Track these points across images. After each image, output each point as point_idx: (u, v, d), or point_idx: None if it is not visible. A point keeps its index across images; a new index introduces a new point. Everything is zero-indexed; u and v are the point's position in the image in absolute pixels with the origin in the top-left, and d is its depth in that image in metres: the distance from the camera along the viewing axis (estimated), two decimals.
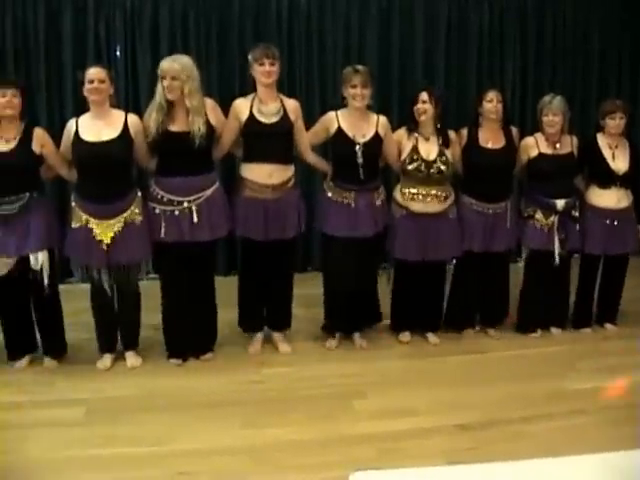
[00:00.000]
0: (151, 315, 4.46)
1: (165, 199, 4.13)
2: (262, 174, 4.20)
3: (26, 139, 4.08)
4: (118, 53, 6.00)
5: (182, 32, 6.00)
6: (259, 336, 4.61)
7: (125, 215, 4.09)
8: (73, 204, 4.15)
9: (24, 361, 4.40)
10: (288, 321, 4.64)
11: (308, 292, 4.69)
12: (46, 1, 5.83)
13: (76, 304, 4.56)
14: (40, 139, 4.13)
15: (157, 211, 4.15)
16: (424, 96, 4.35)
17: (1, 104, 3.98)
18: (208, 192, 4.17)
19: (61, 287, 4.46)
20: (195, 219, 4.11)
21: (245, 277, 4.57)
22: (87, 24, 5.88)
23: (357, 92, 4.25)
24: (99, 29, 5.89)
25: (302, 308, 4.67)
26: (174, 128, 4.05)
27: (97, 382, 4.17)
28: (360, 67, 4.33)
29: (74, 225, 4.13)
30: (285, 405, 3.84)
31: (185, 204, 4.11)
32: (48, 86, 5.93)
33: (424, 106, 4.35)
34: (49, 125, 5.23)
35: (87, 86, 4.02)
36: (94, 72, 4.04)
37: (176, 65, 4.00)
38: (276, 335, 4.62)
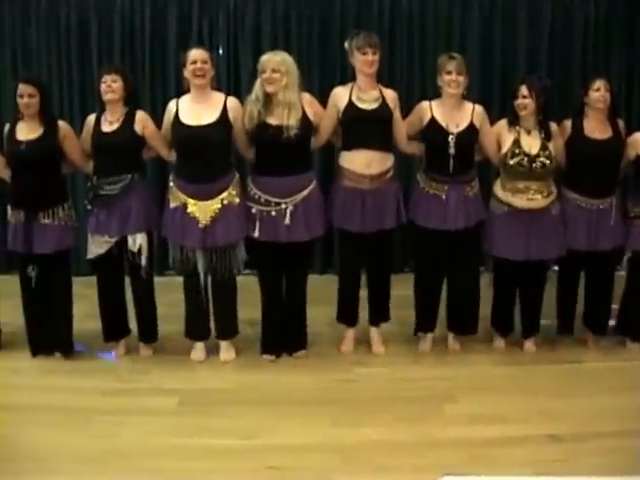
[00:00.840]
0: (246, 310, 4.52)
1: (262, 199, 4.17)
2: (361, 163, 4.18)
3: (129, 121, 4.24)
4: (220, 52, 6.11)
5: (284, 32, 6.07)
6: (351, 333, 4.57)
7: (223, 196, 4.15)
8: (171, 184, 4.25)
9: (121, 348, 4.55)
10: (386, 315, 4.59)
11: (404, 293, 4.65)
12: (152, 2, 6.03)
13: (173, 296, 4.64)
14: (142, 121, 4.27)
15: (254, 211, 4.19)
16: (524, 90, 4.21)
17: (102, 89, 4.17)
18: (305, 192, 4.18)
19: (158, 279, 4.59)
20: (287, 221, 4.13)
21: (343, 269, 4.57)
22: (191, 24, 6.05)
23: (452, 78, 4.18)
24: (202, 29, 6.05)
25: (397, 310, 4.63)
26: (271, 120, 4.09)
27: (191, 373, 4.28)
28: (455, 54, 4.27)
29: (172, 205, 4.23)
30: (377, 405, 3.83)
31: (282, 205, 4.15)
32: (152, 86, 6.14)
33: (524, 101, 4.21)
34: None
35: (189, 67, 4.11)
36: (197, 53, 4.14)
37: (277, 57, 4.06)
38: (373, 334, 4.56)
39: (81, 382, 4.16)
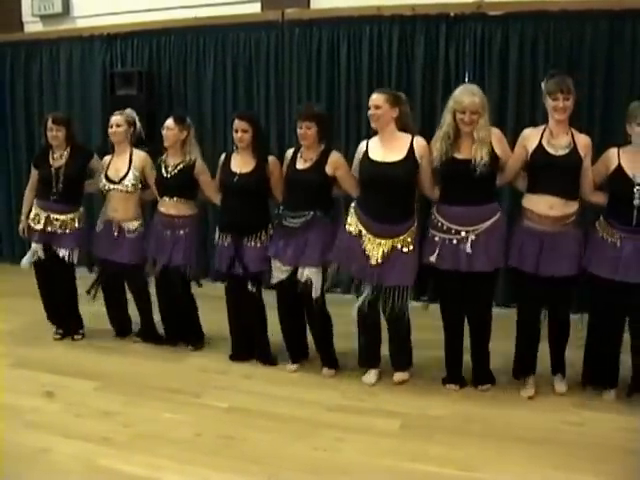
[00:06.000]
0: None
1: (445, 227, 4.15)
2: (542, 205, 4.03)
3: (322, 161, 4.40)
4: (467, 80, 6.06)
5: (531, 63, 5.88)
6: (530, 381, 4.31)
7: (396, 240, 4.19)
8: (352, 210, 4.33)
9: (294, 366, 4.73)
10: (562, 368, 4.33)
11: None
12: (400, 28, 6.15)
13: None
14: (334, 163, 4.40)
15: (436, 239, 4.18)
16: None
17: (301, 134, 4.37)
18: (488, 223, 4.11)
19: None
20: (469, 249, 4.07)
21: (522, 318, 4.30)
22: (438, 49, 6.08)
23: None
24: (449, 55, 6.05)
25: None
26: (459, 155, 4.08)
27: (416, 399, 4.23)
28: None
29: (348, 229, 4.30)
30: (601, 453, 3.55)
31: (463, 233, 4.10)
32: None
33: None
34: None
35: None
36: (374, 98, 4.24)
37: (476, 99, 4.02)
38: (555, 378, 4.33)
39: (307, 395, 4.30)
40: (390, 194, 4.16)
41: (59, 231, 5.11)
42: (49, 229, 5.12)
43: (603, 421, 3.92)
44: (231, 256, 4.64)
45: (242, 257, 4.61)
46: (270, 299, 4.72)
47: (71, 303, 5.36)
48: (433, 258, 4.16)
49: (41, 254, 5.18)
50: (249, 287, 4.65)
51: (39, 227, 5.14)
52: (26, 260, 5.27)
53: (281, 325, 4.70)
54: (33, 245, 5.23)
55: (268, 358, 4.80)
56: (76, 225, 5.15)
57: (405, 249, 4.20)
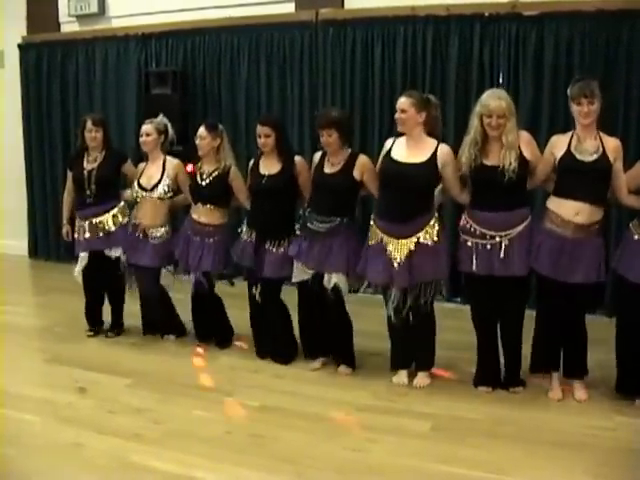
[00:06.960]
0: None
1: (478, 232, 4.13)
2: (568, 210, 4.00)
3: (349, 165, 4.41)
4: (501, 80, 6.05)
5: (566, 63, 5.81)
6: (555, 377, 4.28)
7: (418, 235, 4.17)
8: (372, 222, 4.33)
9: (318, 363, 4.75)
10: (584, 369, 4.24)
11: None
12: (434, 28, 6.14)
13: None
14: (362, 166, 4.41)
15: (469, 244, 4.16)
16: None
17: (323, 142, 4.40)
18: (520, 227, 4.10)
19: None
20: (502, 254, 4.06)
21: (541, 313, 4.27)
22: (472, 49, 6.05)
23: None
24: (483, 55, 6.02)
25: None
26: (488, 162, 4.06)
27: (446, 400, 4.21)
28: None
29: (370, 242, 4.32)
30: (634, 460, 3.50)
31: (497, 238, 4.08)
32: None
33: None
34: None
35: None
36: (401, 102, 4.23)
37: (503, 103, 4.01)
38: (575, 382, 4.25)
39: (337, 395, 4.30)
40: (406, 194, 4.14)
41: (110, 230, 5.16)
42: (97, 235, 5.16)
43: (636, 427, 3.86)
44: (251, 254, 4.68)
45: (261, 258, 4.66)
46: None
47: (118, 303, 5.43)
48: (474, 267, 4.13)
49: (86, 261, 5.23)
50: (253, 290, 4.74)
51: (87, 236, 5.17)
52: (77, 270, 5.31)
53: (300, 323, 4.73)
54: (81, 254, 5.26)
55: (290, 357, 4.84)
56: (120, 220, 5.19)
57: (429, 242, 4.19)
